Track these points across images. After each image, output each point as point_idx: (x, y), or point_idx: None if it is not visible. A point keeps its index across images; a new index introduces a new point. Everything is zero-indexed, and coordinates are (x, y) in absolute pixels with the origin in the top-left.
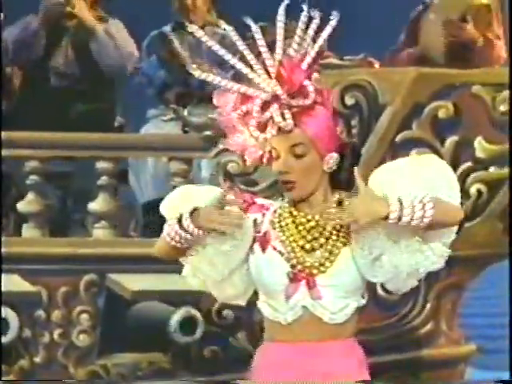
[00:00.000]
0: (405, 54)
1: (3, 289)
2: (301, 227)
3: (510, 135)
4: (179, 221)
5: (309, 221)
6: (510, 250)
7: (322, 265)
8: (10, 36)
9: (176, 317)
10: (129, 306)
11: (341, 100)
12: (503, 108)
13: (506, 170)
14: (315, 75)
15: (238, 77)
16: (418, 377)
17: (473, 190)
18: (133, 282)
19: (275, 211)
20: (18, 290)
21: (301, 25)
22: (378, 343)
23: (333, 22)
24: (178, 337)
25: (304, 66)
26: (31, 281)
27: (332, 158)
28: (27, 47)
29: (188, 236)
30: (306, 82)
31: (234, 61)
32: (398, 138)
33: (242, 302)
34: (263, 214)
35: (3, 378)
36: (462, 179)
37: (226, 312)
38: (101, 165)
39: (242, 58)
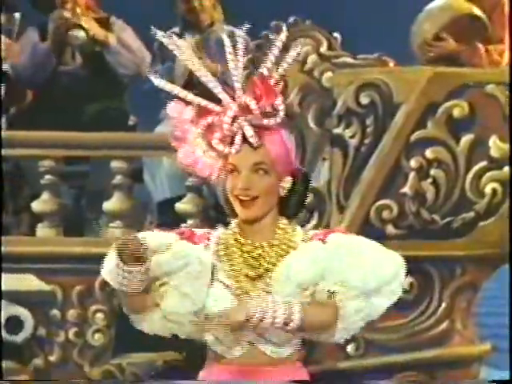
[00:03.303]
0: None
1: (18, 288)
2: (246, 255)
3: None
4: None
5: (256, 248)
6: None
7: (267, 292)
8: (19, 62)
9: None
10: None
11: (355, 99)
12: None
13: None
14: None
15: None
16: (432, 376)
17: (487, 190)
18: None
19: (218, 241)
20: (32, 289)
21: (277, 45)
22: (393, 342)
23: (297, 49)
24: (192, 335)
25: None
26: (46, 280)
27: (287, 182)
28: (40, 70)
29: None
30: (278, 102)
31: (200, 73)
32: (413, 136)
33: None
34: (206, 245)
35: (10, 378)
36: (477, 178)
37: None
38: (115, 164)
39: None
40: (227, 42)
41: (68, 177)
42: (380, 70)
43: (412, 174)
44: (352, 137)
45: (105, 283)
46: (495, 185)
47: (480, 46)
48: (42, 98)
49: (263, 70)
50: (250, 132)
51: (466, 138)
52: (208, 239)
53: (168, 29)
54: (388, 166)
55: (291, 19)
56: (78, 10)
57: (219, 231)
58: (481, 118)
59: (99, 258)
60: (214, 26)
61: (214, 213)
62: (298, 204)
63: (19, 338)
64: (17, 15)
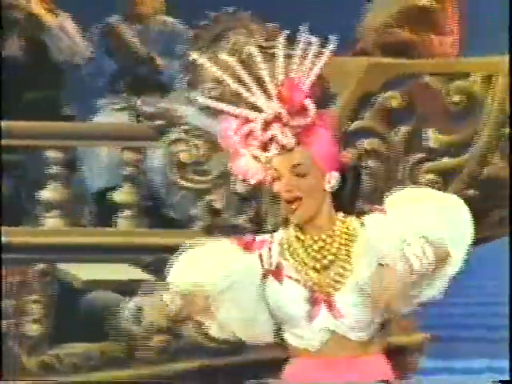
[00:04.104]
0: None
1: None
2: (309, 249)
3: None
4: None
5: (316, 241)
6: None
7: (337, 282)
8: None
9: (127, 306)
10: (80, 296)
11: None
12: (456, 98)
13: (458, 160)
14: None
15: (192, 68)
16: None
17: (425, 181)
18: (84, 272)
19: (281, 242)
20: None
21: (301, 47)
22: None
23: (331, 47)
24: (129, 326)
25: (305, 87)
26: None
27: (333, 177)
28: None
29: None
30: (307, 102)
31: (234, 86)
32: (350, 128)
33: (270, 339)
34: (269, 249)
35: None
36: (415, 169)
37: None
38: (51, 154)
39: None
40: (257, 56)
41: (5, 166)
42: None
43: None
44: None
45: (41, 273)
46: (433, 176)
47: (434, 37)
48: None
49: (289, 73)
50: (280, 135)
51: (404, 129)
52: (271, 242)
53: (108, 17)
54: None
55: (229, 9)
56: None
57: (280, 232)
58: (418, 109)
59: (36, 248)
60: (155, 16)
61: (151, 202)
62: (351, 197)
63: None
64: None
